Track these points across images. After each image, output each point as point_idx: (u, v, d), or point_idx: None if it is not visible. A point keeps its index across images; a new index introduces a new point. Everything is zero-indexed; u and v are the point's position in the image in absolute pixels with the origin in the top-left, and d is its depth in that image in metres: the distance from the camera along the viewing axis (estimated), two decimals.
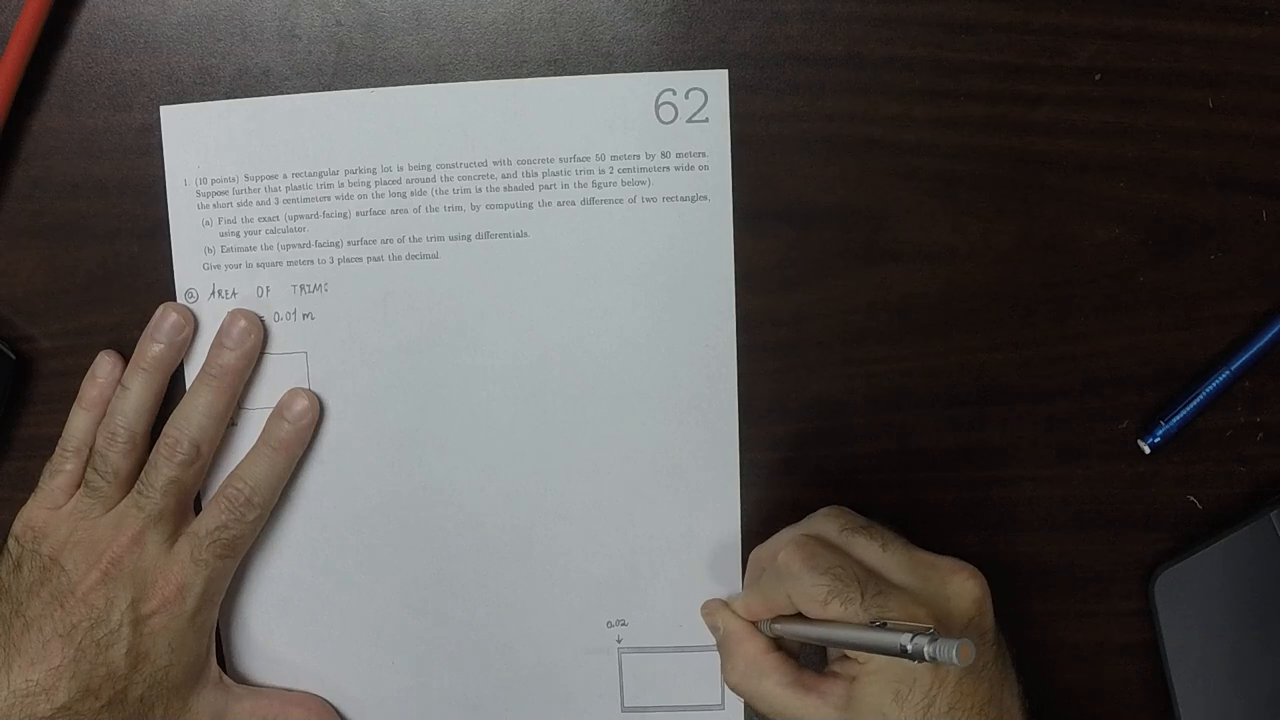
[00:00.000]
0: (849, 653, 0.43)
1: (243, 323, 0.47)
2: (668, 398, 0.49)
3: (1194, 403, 0.48)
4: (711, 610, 0.48)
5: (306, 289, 0.48)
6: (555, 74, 0.47)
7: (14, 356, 0.48)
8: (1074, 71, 0.47)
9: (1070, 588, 0.50)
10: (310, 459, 0.49)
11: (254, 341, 0.48)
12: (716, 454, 0.49)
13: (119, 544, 0.46)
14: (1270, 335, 0.48)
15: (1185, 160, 0.48)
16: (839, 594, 0.41)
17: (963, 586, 0.42)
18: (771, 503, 0.49)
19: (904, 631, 0.38)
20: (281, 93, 0.47)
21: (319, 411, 0.49)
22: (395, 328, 0.48)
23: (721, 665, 0.47)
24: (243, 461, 0.48)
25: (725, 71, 0.47)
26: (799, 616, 0.43)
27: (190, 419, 0.47)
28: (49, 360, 0.49)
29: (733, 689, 0.46)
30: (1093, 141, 0.48)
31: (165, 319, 0.47)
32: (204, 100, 0.47)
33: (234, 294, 0.48)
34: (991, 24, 0.47)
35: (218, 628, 0.49)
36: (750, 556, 0.48)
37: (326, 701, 0.50)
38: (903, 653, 0.38)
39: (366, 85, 0.47)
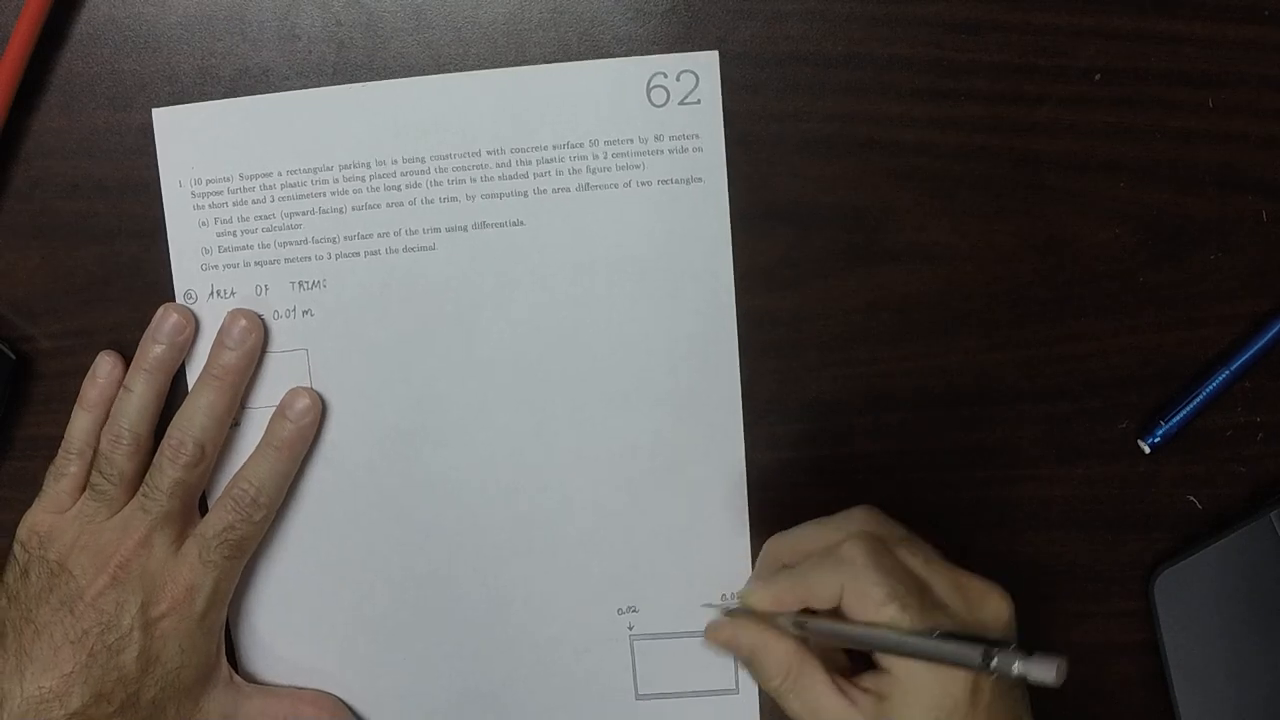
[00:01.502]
0: (882, 666, 0.41)
1: (243, 322, 0.47)
2: (668, 383, 0.48)
3: (1194, 403, 0.48)
4: (718, 628, 0.45)
5: (305, 286, 0.48)
6: None
7: (14, 356, 0.48)
8: (1074, 71, 0.47)
9: (1070, 588, 0.50)
10: (313, 456, 0.49)
11: (255, 341, 0.48)
12: (721, 439, 0.49)
13: (126, 547, 0.46)
14: (1270, 335, 0.48)
15: (1185, 160, 0.48)
16: (899, 598, 0.40)
17: (996, 608, 0.41)
18: (772, 503, 0.49)
19: (976, 644, 0.37)
20: (281, 92, 0.47)
21: (321, 409, 0.49)
22: (394, 321, 0.48)
23: (757, 677, 0.44)
24: (247, 462, 0.48)
25: (715, 53, 0.47)
26: (831, 615, 0.42)
27: (194, 420, 0.47)
28: (49, 360, 0.49)
29: (775, 694, 0.43)
30: (1093, 141, 0.47)
31: (166, 320, 0.47)
32: (204, 100, 0.47)
33: (233, 294, 0.48)
34: (991, 24, 0.47)
35: (226, 627, 0.49)
36: (768, 547, 0.46)
37: (340, 699, 0.50)
38: (984, 666, 0.36)
39: None
